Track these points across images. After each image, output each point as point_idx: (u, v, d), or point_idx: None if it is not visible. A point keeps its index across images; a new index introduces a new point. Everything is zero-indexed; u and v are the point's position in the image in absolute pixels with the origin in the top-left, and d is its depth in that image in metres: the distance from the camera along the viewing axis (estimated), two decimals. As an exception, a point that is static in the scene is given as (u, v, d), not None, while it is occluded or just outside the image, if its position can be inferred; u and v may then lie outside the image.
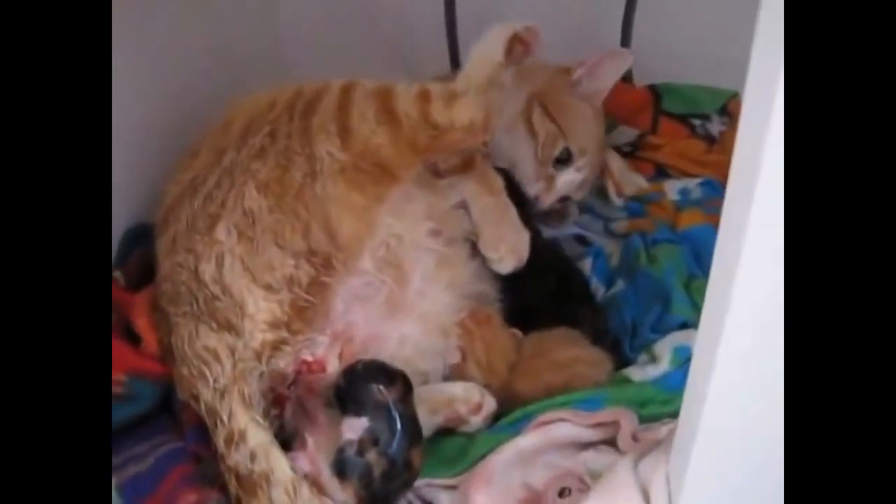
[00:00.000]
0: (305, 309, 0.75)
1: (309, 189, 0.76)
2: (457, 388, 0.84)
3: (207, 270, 0.74)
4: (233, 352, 0.72)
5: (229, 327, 0.73)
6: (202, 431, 0.74)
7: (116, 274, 0.89)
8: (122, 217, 0.94)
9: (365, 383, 0.69)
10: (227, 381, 0.71)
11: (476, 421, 0.83)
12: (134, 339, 0.82)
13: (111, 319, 0.81)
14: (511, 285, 0.93)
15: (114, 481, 0.71)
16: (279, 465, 0.68)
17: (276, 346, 0.74)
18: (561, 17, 1.12)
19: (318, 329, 0.77)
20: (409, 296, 0.82)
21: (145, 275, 0.88)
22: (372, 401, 0.69)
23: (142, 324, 0.82)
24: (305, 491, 0.67)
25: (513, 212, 0.94)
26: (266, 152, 0.78)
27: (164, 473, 0.72)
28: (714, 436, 0.52)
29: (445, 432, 0.84)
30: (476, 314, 0.88)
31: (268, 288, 0.74)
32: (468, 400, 0.83)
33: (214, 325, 0.73)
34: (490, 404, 0.84)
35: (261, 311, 0.74)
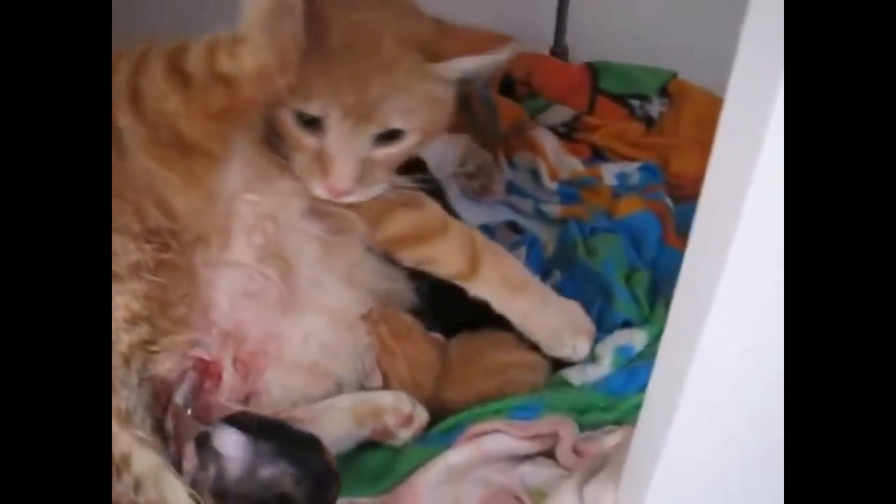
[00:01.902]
0: (170, 302, 0.67)
1: (123, 165, 0.66)
2: (385, 398, 0.78)
3: None
4: None
5: None
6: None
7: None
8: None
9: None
10: None
11: (405, 434, 0.77)
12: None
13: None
14: (431, 283, 0.84)
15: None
16: (172, 491, 0.60)
17: (146, 350, 0.66)
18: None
19: (200, 330, 0.69)
20: (302, 287, 0.74)
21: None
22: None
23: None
24: None
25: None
26: None
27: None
28: (679, 465, 0.46)
29: (368, 445, 0.78)
30: (394, 326, 0.80)
31: (116, 279, 0.65)
32: (398, 411, 0.77)
33: None
34: (422, 416, 0.78)
35: (117, 306, 0.65)
